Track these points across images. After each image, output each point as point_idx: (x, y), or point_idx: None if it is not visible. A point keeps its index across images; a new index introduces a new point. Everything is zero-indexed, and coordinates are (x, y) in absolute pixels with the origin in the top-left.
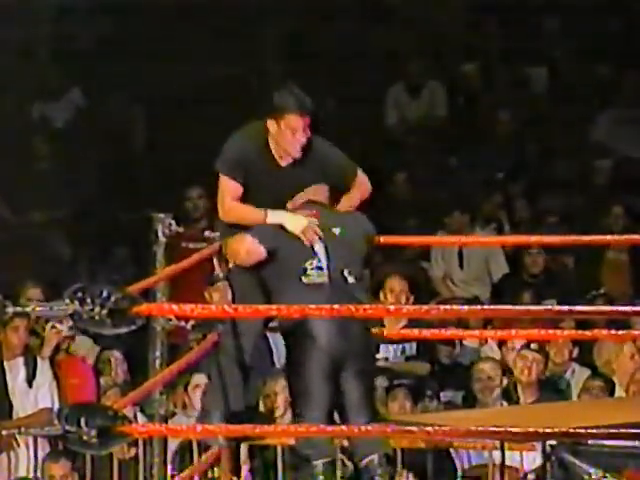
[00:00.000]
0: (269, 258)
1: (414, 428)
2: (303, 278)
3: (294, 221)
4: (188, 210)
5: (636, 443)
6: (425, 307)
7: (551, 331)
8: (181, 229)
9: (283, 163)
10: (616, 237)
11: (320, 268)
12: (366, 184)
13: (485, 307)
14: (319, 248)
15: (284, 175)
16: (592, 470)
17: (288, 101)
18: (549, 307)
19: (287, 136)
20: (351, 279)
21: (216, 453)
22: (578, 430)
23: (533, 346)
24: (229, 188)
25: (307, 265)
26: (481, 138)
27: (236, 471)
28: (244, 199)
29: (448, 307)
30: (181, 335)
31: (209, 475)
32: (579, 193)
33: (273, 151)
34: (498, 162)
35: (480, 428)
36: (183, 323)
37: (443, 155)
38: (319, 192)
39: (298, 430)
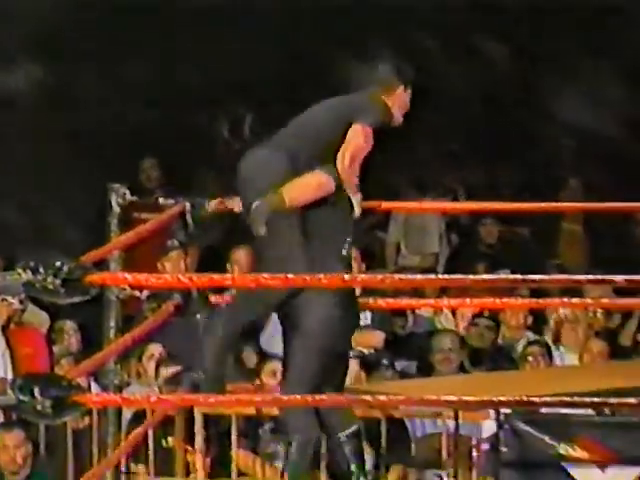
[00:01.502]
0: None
1: (368, 397)
2: (343, 251)
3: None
4: (142, 181)
5: (589, 411)
6: (380, 276)
7: (505, 300)
8: (135, 198)
9: None
10: (568, 204)
11: (351, 244)
12: None
13: (439, 276)
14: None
15: None
16: (545, 438)
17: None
18: (503, 276)
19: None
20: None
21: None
22: (532, 398)
23: (486, 314)
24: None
25: (349, 239)
26: (437, 109)
27: (190, 440)
28: None
29: (403, 276)
30: (136, 305)
31: (163, 444)
32: (535, 166)
33: None
34: (455, 134)
35: (434, 397)
36: (138, 293)
37: (399, 126)
38: None
39: (254, 400)
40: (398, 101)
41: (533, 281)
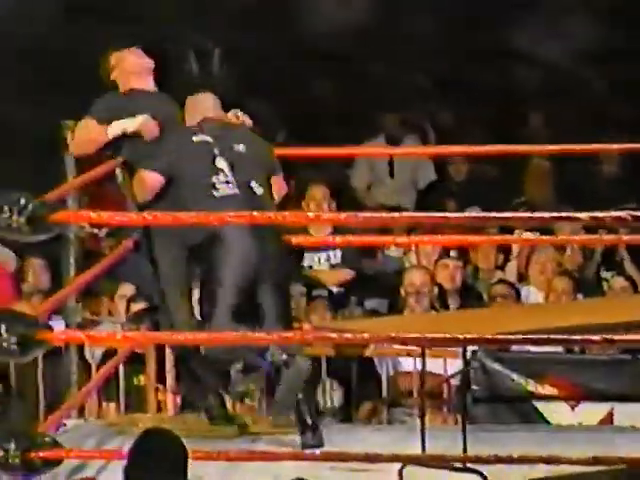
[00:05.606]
0: (171, 187)
1: (334, 335)
2: (214, 192)
3: (130, 123)
4: None
5: (558, 349)
6: (344, 214)
7: (473, 237)
8: None
9: None
10: (538, 147)
11: (228, 182)
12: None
13: (406, 214)
14: (221, 164)
15: None
16: (514, 376)
17: None
18: (472, 214)
19: None
20: (259, 190)
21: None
22: (499, 336)
23: (453, 254)
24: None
25: (214, 180)
26: (405, 43)
27: (161, 379)
28: None
29: (369, 214)
30: (95, 243)
31: (135, 382)
32: (502, 102)
33: None
34: (422, 72)
35: (401, 334)
36: (96, 230)
37: (366, 62)
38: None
39: (228, 337)
40: None
41: (502, 218)
